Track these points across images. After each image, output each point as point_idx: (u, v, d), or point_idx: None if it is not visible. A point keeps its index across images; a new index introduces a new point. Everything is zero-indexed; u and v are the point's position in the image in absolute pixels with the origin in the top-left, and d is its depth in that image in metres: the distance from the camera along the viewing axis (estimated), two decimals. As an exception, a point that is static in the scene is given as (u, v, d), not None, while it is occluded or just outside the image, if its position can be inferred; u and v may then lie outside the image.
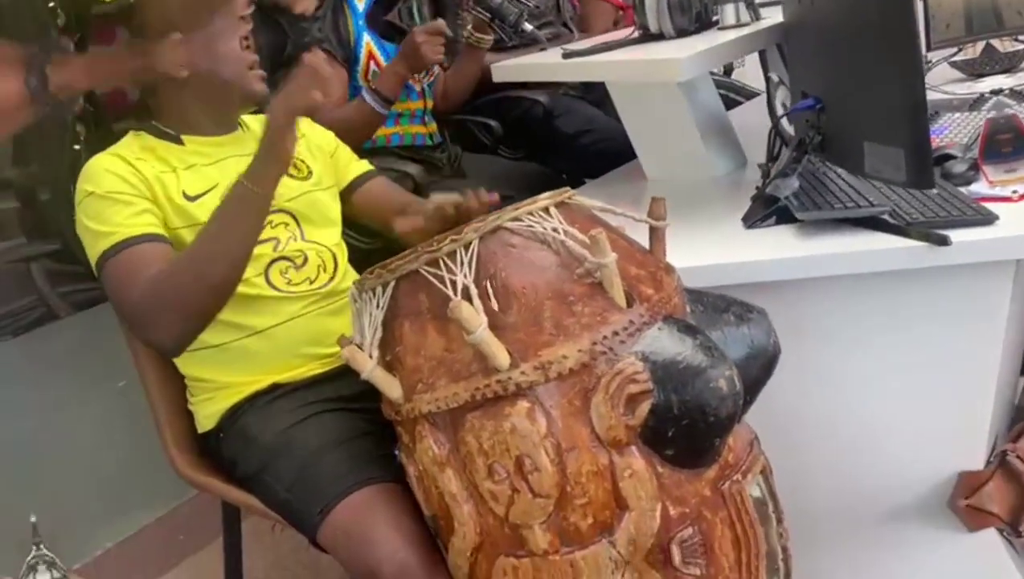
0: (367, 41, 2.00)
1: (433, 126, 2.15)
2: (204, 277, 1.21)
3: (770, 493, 1.13)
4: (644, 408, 0.98)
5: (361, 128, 1.91)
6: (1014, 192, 1.33)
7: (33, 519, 1.13)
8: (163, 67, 1.25)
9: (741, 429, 1.11)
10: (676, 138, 1.76)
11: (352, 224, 1.57)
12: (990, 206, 1.29)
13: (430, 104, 2.14)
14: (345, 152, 1.57)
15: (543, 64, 1.92)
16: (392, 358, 1.08)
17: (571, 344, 0.99)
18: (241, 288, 1.27)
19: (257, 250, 1.33)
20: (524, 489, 1.00)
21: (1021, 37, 2.10)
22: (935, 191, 1.30)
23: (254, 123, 1.48)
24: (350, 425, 1.28)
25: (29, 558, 1.13)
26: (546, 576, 1.02)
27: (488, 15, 2.08)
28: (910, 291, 1.31)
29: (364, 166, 1.57)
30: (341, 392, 1.33)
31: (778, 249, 1.33)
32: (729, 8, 1.71)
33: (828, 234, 1.33)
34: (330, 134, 1.57)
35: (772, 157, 1.60)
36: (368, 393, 1.17)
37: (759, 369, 1.12)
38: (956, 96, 1.89)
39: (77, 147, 2.71)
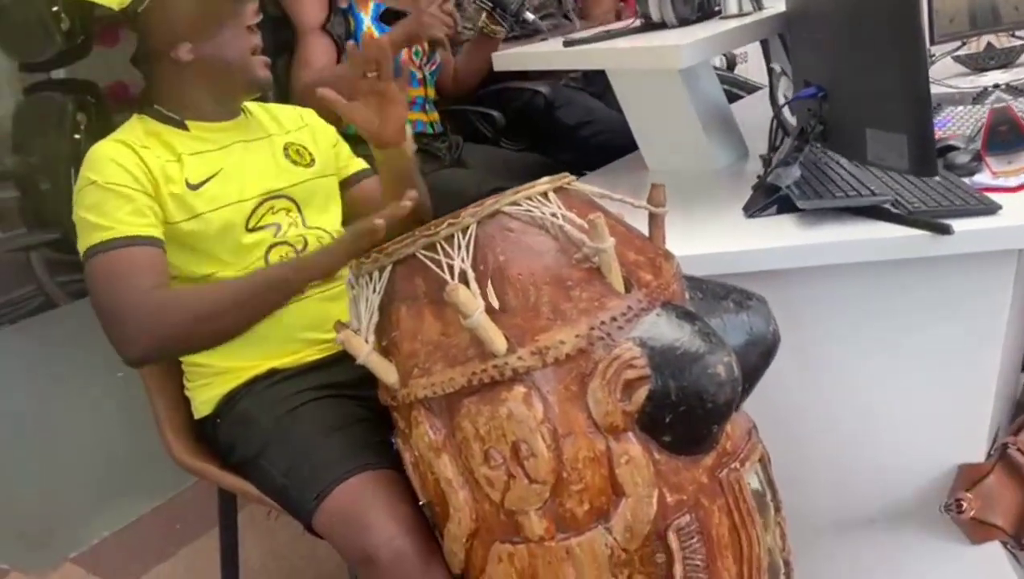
0: (367, 24, 1.99)
1: (435, 115, 2.14)
2: (204, 326, 1.25)
3: (768, 482, 1.12)
4: (641, 394, 0.97)
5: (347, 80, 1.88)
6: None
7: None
8: None
9: (739, 417, 1.11)
10: (677, 128, 1.75)
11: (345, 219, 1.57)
12: (993, 196, 1.28)
13: (431, 93, 2.13)
14: (344, 148, 1.56)
15: (544, 52, 1.92)
16: (388, 343, 1.07)
17: (568, 329, 0.98)
18: (241, 273, 1.26)
19: (258, 236, 1.32)
20: (520, 475, 0.99)
21: (1018, 33, 2.09)
22: (937, 179, 1.29)
23: (257, 109, 1.48)
24: (347, 412, 1.27)
25: None
26: (542, 562, 1.01)
27: (490, 4, 2.07)
28: (911, 280, 1.30)
29: (360, 164, 1.57)
30: (338, 378, 1.32)
31: (779, 238, 1.32)
32: (732, -3, 1.70)
33: (829, 223, 1.32)
34: (331, 127, 1.56)
35: (774, 147, 1.59)
36: (365, 380, 1.17)
37: (758, 357, 1.11)
38: (959, 90, 1.88)
39: (77, 137, 2.71)
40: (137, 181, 1.28)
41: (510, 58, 1.91)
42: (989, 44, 2.11)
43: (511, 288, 1.00)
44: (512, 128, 2.37)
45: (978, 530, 1.34)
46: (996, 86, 1.81)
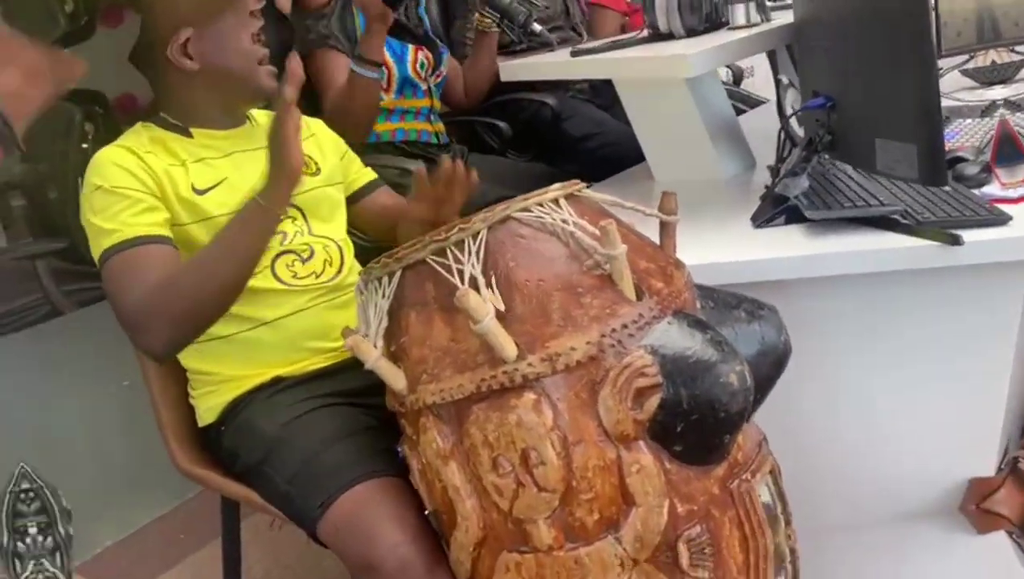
0: None
1: (439, 125, 2.14)
2: (205, 288, 1.21)
3: (779, 494, 1.11)
4: (653, 402, 0.96)
5: (361, 100, 1.86)
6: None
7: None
8: None
9: (750, 429, 1.10)
10: (684, 139, 1.75)
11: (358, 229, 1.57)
12: (1003, 207, 1.27)
13: (437, 104, 2.13)
14: (354, 160, 1.57)
15: (552, 62, 1.92)
16: (397, 348, 1.06)
17: (579, 336, 0.97)
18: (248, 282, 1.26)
19: None
20: (529, 483, 0.98)
21: (1018, 48, 2.09)
22: (947, 189, 1.29)
23: (263, 117, 1.48)
24: (353, 419, 1.27)
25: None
26: (550, 573, 1.00)
27: (497, 16, 2.07)
28: (921, 291, 1.30)
29: (370, 175, 1.57)
30: (344, 386, 1.31)
31: (788, 248, 1.32)
32: (739, 8, 1.70)
33: (838, 233, 1.32)
34: (339, 137, 1.56)
35: (781, 158, 1.59)
36: (371, 388, 1.16)
37: (769, 366, 1.10)
38: (967, 103, 1.88)
39: (85, 146, 2.71)
40: (142, 184, 1.28)
41: (518, 68, 1.92)
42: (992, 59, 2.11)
43: (521, 294, 1.00)
44: (519, 139, 2.37)
45: (984, 520, 1.33)
46: (994, 103, 1.80)
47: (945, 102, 1.83)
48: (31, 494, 1.57)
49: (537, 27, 2.03)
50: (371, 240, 1.56)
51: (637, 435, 0.98)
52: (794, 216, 1.39)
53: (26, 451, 1.91)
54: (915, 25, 1.12)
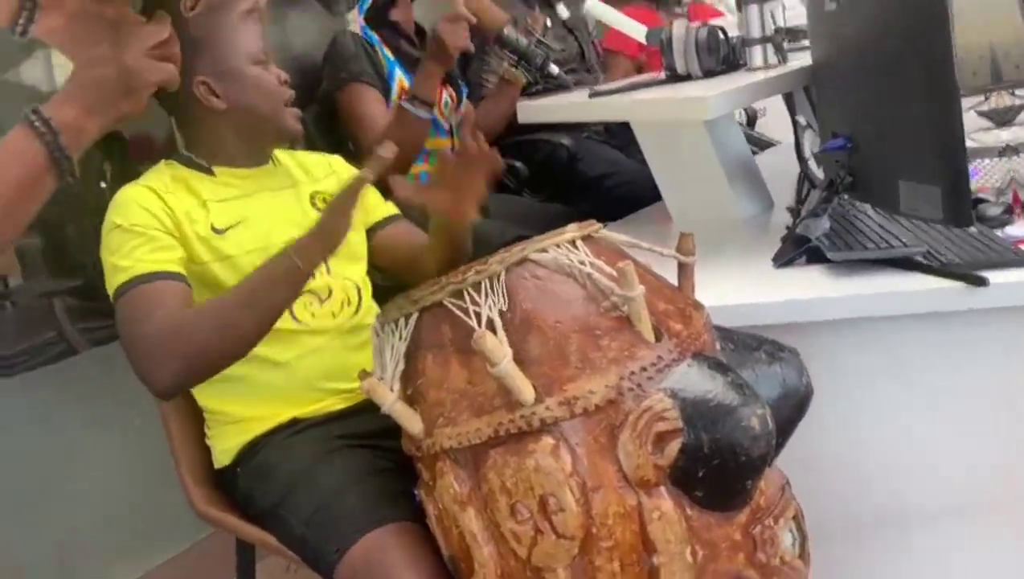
0: (399, 77, 2.01)
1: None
2: (222, 335, 1.18)
3: (802, 539, 1.09)
4: (673, 447, 0.94)
5: (407, 140, 1.85)
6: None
7: None
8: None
9: (772, 472, 1.07)
10: (702, 179, 1.75)
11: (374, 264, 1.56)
12: (1027, 248, 1.26)
13: (458, 143, 2.14)
14: (373, 194, 1.56)
15: (571, 104, 1.93)
16: (414, 391, 1.05)
17: (598, 378, 0.96)
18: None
19: None
20: (548, 530, 0.96)
21: (1018, 92, 2.08)
22: (973, 230, 1.27)
23: (285, 157, 1.48)
24: (369, 462, 1.25)
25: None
26: (569, 621, 0.98)
27: (515, 58, 2.09)
28: (946, 334, 1.28)
29: (389, 209, 1.57)
30: (361, 428, 1.30)
31: (810, 289, 1.30)
32: (757, 50, 1.71)
33: (860, 274, 1.30)
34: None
35: (801, 199, 1.58)
36: (387, 430, 1.15)
37: (791, 409, 1.08)
38: (984, 144, 1.87)
39: (103, 185, 2.74)
40: (161, 223, 1.28)
41: (536, 110, 1.92)
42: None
43: (539, 336, 0.98)
44: (534, 179, 2.37)
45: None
46: (1008, 145, 1.79)
47: (964, 143, 1.83)
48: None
49: (554, 69, 2.04)
50: (389, 279, 1.55)
51: (658, 481, 0.96)
52: (815, 257, 1.38)
53: (39, 491, 1.90)
54: (938, 65, 1.11)
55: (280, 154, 1.48)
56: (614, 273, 1.00)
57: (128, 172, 2.70)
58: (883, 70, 1.27)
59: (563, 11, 2.32)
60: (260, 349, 1.29)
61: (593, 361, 0.96)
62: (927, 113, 1.15)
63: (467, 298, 1.01)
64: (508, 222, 2.09)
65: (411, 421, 1.04)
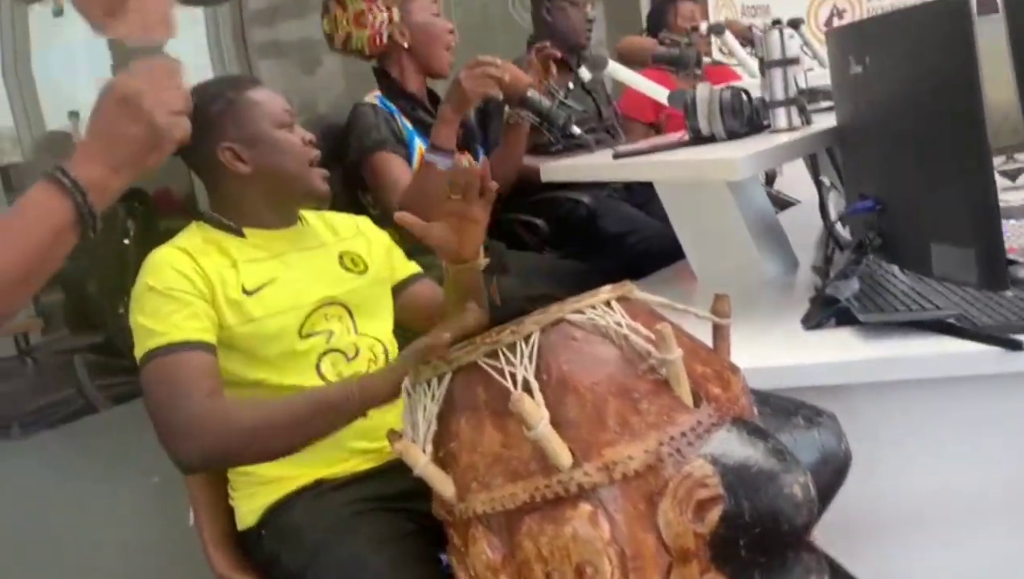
0: (419, 145, 2.03)
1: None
2: (264, 441, 1.19)
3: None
4: (714, 515, 0.92)
5: (434, 189, 1.85)
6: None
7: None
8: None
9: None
10: (727, 239, 1.75)
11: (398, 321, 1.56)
12: (1062, 311, 1.25)
13: None
14: (398, 252, 1.57)
15: (596, 164, 1.94)
16: (446, 454, 1.03)
17: (637, 444, 0.94)
18: (292, 380, 1.25)
19: (311, 342, 1.31)
20: (584, 600, 0.93)
21: (1017, 156, 2.08)
22: (1010, 293, 1.26)
23: (313, 219, 1.49)
24: (396, 525, 1.23)
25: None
26: None
27: (537, 119, 2.11)
28: (980, 398, 1.26)
29: (413, 268, 1.57)
30: (387, 490, 1.28)
31: (842, 351, 1.29)
32: (781, 112, 1.72)
33: (892, 337, 1.29)
34: (386, 234, 1.57)
35: (827, 259, 1.57)
36: (414, 492, 1.13)
37: (831, 475, 1.06)
38: (1008, 204, 1.87)
39: (126, 241, 2.77)
40: (194, 286, 1.28)
41: (561, 170, 1.94)
42: None
43: (576, 399, 0.97)
44: (554, 236, 2.38)
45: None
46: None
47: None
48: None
49: (576, 129, 2.05)
50: (414, 338, 1.54)
51: (698, 550, 0.93)
52: (845, 318, 1.36)
53: (53, 552, 1.88)
54: (969, 126, 1.11)
55: (308, 214, 1.49)
56: (651, 335, 0.99)
57: (151, 228, 2.73)
58: (912, 132, 1.27)
59: (585, 73, 2.34)
60: (286, 409, 1.29)
61: (631, 425, 0.95)
62: (959, 175, 1.15)
63: (502, 358, 1.00)
64: (529, 279, 2.09)
65: (443, 484, 1.02)
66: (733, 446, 0.96)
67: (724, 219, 1.72)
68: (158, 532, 1.91)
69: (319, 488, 1.31)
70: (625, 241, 2.34)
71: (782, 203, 2.68)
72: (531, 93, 2.00)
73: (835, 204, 1.70)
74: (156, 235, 1.43)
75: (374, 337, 1.40)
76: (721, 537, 0.93)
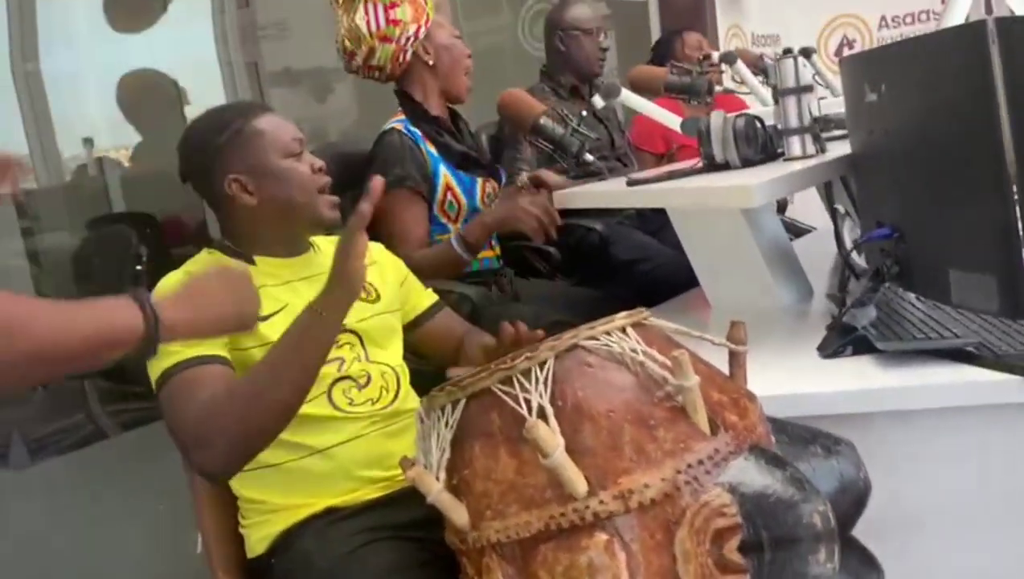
0: (444, 172, 2.03)
1: (498, 249, 2.16)
2: (264, 401, 1.18)
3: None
4: (732, 544, 0.91)
5: (446, 270, 1.93)
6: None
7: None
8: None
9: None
10: (741, 267, 1.74)
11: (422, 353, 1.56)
12: (1084, 340, 1.23)
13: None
14: (415, 284, 1.57)
15: (610, 191, 1.94)
16: (459, 481, 1.02)
17: (654, 472, 0.93)
18: (303, 408, 1.24)
19: (322, 370, 1.30)
20: (600, 630, 0.92)
21: None
22: (1027, 321, 1.25)
23: (325, 245, 1.49)
24: (407, 554, 1.22)
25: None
26: None
27: (551, 147, 2.11)
28: (1001, 427, 1.24)
29: (431, 298, 1.57)
30: (398, 519, 1.27)
31: (860, 380, 1.28)
32: (795, 140, 1.71)
33: (909, 365, 1.27)
34: (400, 262, 1.57)
35: (842, 287, 1.56)
36: (425, 521, 1.12)
37: (849, 505, 1.04)
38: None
39: (139, 268, 2.77)
40: None
41: (575, 197, 1.94)
42: None
43: (591, 426, 0.96)
44: (566, 263, 2.37)
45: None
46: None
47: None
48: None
49: (589, 157, 2.06)
50: (429, 365, 1.54)
51: (715, 580, 0.92)
52: (862, 346, 1.35)
53: (63, 576, 1.87)
54: (987, 154, 1.10)
55: (320, 241, 1.49)
56: (667, 362, 0.98)
57: (162, 255, 2.74)
58: (930, 159, 1.26)
59: (598, 101, 2.35)
60: (297, 437, 1.29)
61: (648, 453, 0.94)
62: (979, 202, 1.14)
63: (516, 385, 0.99)
64: (541, 306, 2.08)
65: (457, 512, 1.01)
66: (751, 474, 0.94)
67: (738, 247, 1.71)
68: (166, 560, 1.90)
69: (330, 517, 1.29)
70: (637, 268, 2.33)
71: (796, 231, 2.67)
72: (544, 120, 2.01)
73: (849, 232, 1.69)
74: (168, 262, 1.43)
75: (385, 364, 1.40)
76: (739, 568, 0.91)
